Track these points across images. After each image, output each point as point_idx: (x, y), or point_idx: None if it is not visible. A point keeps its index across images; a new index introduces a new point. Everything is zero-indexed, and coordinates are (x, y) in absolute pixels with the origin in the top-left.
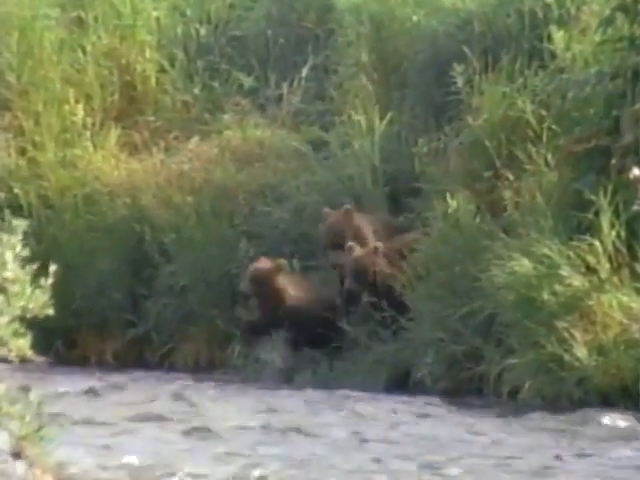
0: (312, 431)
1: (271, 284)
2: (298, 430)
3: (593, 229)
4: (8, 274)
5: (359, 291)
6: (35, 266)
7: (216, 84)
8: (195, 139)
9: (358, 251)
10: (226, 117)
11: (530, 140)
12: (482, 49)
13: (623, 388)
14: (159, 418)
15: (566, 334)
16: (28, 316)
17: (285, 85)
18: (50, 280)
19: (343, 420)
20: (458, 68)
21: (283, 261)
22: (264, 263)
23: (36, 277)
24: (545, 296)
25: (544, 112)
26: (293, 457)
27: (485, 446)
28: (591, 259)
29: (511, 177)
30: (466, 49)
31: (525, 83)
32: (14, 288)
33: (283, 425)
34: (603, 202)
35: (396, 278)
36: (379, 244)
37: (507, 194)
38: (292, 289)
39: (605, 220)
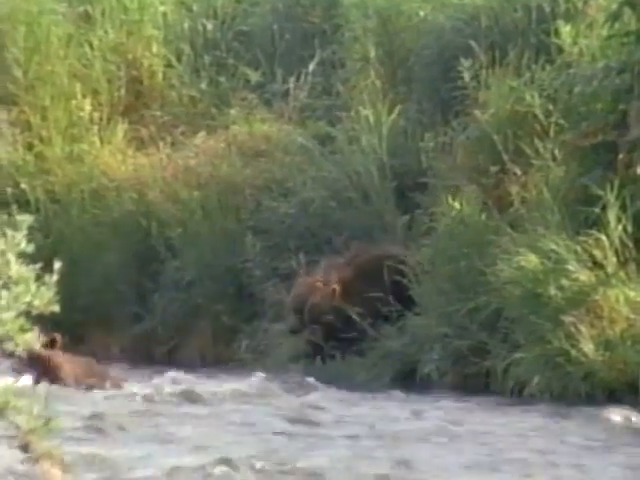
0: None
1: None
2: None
3: (600, 224)
4: (11, 273)
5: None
6: (39, 265)
7: (223, 79)
8: (202, 134)
9: (314, 297)
10: (233, 112)
11: (537, 135)
12: (489, 44)
13: (629, 383)
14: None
15: (573, 329)
16: (34, 313)
17: (292, 80)
18: (55, 277)
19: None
20: (465, 63)
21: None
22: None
23: (42, 274)
24: (552, 291)
25: (551, 107)
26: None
27: (487, 440)
28: (598, 254)
29: (518, 172)
30: (473, 44)
31: (532, 78)
32: (18, 288)
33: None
34: (610, 197)
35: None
36: (336, 287)
37: (514, 189)
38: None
39: (612, 215)
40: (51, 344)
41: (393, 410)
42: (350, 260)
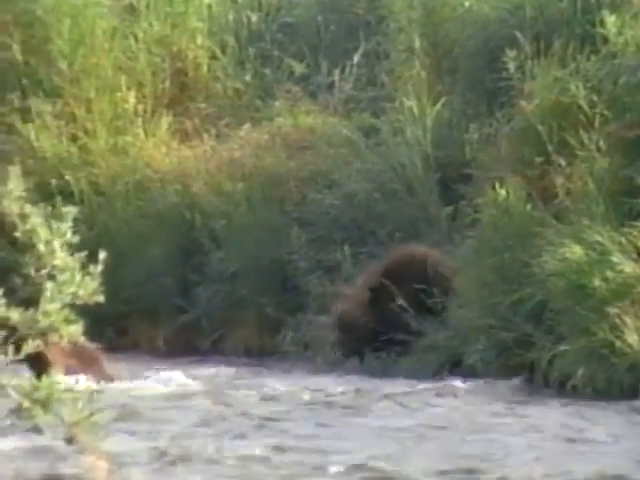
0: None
1: None
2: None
3: None
4: (57, 262)
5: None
6: (84, 253)
7: (267, 71)
8: (246, 126)
9: (343, 305)
10: (277, 104)
11: (582, 126)
12: (534, 34)
13: None
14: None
15: (617, 320)
16: (78, 303)
17: (336, 72)
18: (99, 267)
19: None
20: (510, 53)
21: None
22: None
23: (86, 264)
24: (596, 282)
25: (596, 97)
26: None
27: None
28: None
29: (562, 163)
30: (518, 34)
31: (577, 68)
32: (63, 276)
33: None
34: None
35: None
36: (365, 296)
37: (558, 180)
38: None
39: None
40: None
41: None
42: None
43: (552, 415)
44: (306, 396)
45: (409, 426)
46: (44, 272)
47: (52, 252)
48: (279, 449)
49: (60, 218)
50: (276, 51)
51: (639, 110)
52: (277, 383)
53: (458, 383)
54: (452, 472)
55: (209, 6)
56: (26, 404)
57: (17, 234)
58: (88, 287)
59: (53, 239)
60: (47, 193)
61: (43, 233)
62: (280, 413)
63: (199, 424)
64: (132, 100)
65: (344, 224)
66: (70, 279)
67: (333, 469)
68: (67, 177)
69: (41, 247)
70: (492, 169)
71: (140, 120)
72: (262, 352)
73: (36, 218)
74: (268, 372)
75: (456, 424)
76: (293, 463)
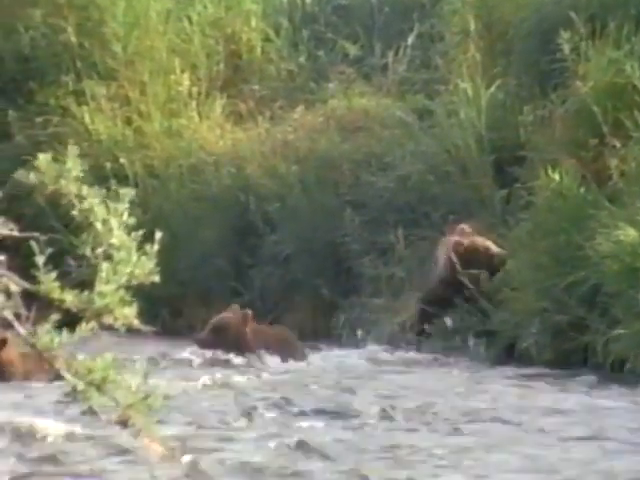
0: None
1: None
2: None
3: None
4: (114, 240)
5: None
6: (141, 232)
7: (321, 53)
8: (300, 108)
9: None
10: (331, 86)
11: (637, 107)
12: (588, 15)
13: None
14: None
15: None
16: (134, 283)
17: (390, 54)
18: (155, 247)
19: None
20: (564, 35)
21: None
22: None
23: (142, 245)
24: None
25: None
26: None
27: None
28: None
29: (617, 145)
30: (572, 15)
31: (632, 49)
32: (120, 255)
33: None
34: None
35: None
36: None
37: (613, 162)
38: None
39: None
40: (1, 344)
41: None
42: None
43: None
44: None
45: None
46: (100, 251)
47: (109, 230)
48: None
49: (117, 199)
50: (330, 33)
51: None
52: None
53: None
54: None
55: None
56: (81, 386)
57: (74, 213)
58: (144, 267)
59: (110, 218)
60: (102, 176)
61: (100, 212)
62: None
63: None
64: (186, 83)
65: (397, 206)
66: (127, 258)
67: None
68: (122, 160)
69: (98, 225)
70: (546, 151)
71: (194, 103)
72: (316, 334)
73: (93, 198)
74: None
75: None
76: None
